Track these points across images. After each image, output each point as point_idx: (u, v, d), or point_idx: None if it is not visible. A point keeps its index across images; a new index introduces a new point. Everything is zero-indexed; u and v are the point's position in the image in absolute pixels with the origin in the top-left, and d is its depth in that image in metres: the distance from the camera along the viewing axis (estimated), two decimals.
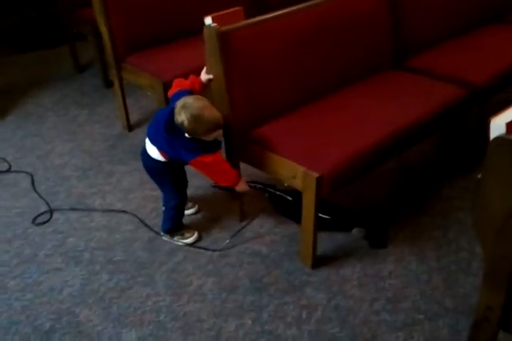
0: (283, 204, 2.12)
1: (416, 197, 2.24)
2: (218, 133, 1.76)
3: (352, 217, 2.05)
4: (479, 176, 1.32)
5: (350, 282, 1.84)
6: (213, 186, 2.18)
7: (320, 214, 1.93)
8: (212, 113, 1.70)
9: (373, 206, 2.16)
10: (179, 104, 1.70)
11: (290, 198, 2.07)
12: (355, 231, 2.01)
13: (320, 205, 1.85)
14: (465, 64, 2.36)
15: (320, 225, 1.99)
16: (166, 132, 1.75)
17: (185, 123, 1.67)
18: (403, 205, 2.20)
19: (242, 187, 1.89)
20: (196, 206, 2.20)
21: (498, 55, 2.44)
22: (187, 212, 2.13)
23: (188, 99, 1.71)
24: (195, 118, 1.67)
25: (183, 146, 1.74)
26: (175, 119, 1.70)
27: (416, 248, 1.97)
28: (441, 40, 2.58)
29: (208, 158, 1.75)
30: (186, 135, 1.74)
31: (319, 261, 1.91)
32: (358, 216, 2.06)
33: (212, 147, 1.77)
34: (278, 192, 2.11)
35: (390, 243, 1.99)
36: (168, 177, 1.93)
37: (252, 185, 2.05)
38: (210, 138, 1.74)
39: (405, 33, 2.42)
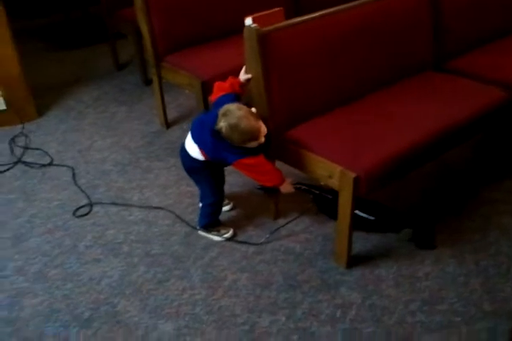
0: (328, 205, 2.09)
1: (456, 199, 2.21)
2: (255, 143, 1.77)
3: (399, 218, 2.03)
4: None
5: (386, 282, 1.83)
6: (258, 188, 2.16)
7: (365, 215, 1.93)
8: (250, 124, 1.71)
9: (419, 206, 2.12)
10: (221, 110, 1.74)
11: (331, 197, 2.04)
12: (403, 232, 1.99)
13: (366, 206, 1.85)
14: (507, 66, 2.32)
15: (365, 226, 1.98)
16: (213, 136, 1.77)
17: (223, 130, 1.72)
18: (443, 207, 2.17)
19: (287, 188, 1.91)
20: (232, 203, 2.22)
21: None
22: (223, 208, 2.15)
23: (230, 107, 1.74)
24: (232, 128, 1.70)
25: (228, 149, 1.78)
26: (216, 125, 1.74)
27: (455, 250, 1.94)
28: (483, 42, 2.54)
29: (251, 160, 1.78)
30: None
31: (354, 261, 1.91)
32: (405, 216, 2.03)
33: (257, 150, 1.79)
34: (323, 193, 2.09)
35: None
36: (205, 175, 1.96)
37: (298, 186, 2.05)
38: (247, 146, 1.76)
39: (447, 34, 2.39)
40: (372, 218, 1.97)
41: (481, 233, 2.02)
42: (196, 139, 1.86)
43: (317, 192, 2.10)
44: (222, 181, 2.03)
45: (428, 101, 2.07)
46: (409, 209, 2.10)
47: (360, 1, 2.12)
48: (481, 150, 2.34)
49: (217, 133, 1.75)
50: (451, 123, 1.94)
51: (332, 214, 2.04)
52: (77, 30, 4.35)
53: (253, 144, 1.76)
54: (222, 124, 1.72)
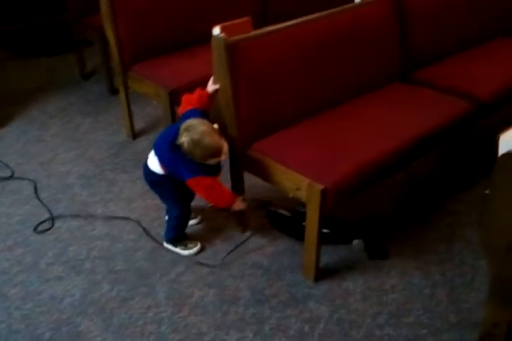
0: (280, 221, 2.11)
1: (421, 210, 2.23)
2: (216, 160, 1.76)
3: (350, 229, 2.04)
4: (487, 192, 1.31)
5: (353, 295, 1.82)
6: (211, 206, 2.15)
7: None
8: (213, 140, 1.70)
9: (371, 217, 2.13)
10: (184, 125, 1.72)
11: (288, 214, 2.07)
12: (355, 243, 1.99)
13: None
14: (471, 77, 2.36)
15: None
16: (171, 149, 1.75)
17: (185, 145, 1.70)
18: (408, 218, 2.18)
19: (237, 207, 1.90)
20: (199, 216, 2.19)
21: (505, 70, 2.44)
22: (190, 222, 2.12)
23: (193, 122, 1.72)
24: (194, 143, 1.68)
25: (185, 165, 1.75)
26: (177, 139, 1.72)
27: (420, 262, 1.95)
28: (448, 53, 2.58)
29: (206, 180, 1.77)
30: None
31: (321, 274, 1.90)
32: (356, 227, 2.04)
33: (214, 170, 1.78)
34: (275, 209, 2.10)
35: (393, 256, 1.98)
36: (167, 189, 1.92)
37: (251, 203, 2.04)
38: (207, 162, 1.74)
39: (413, 45, 2.43)
40: (326, 231, 1.95)
41: (445, 244, 2.03)
42: (157, 152, 1.83)
43: (270, 208, 2.12)
44: (190, 194, 2.00)
45: (395, 113, 2.09)
46: (361, 220, 2.09)
47: (328, 11, 2.13)
48: (445, 160, 2.37)
49: (177, 148, 1.73)
50: (417, 134, 1.96)
51: (291, 232, 2.06)
52: (42, 37, 4.26)
53: (213, 161, 1.75)
54: (184, 139, 1.69)
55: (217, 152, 1.72)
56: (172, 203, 1.98)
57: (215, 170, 1.80)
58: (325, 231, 1.95)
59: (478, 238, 1.38)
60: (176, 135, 1.73)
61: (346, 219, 2.06)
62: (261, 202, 2.17)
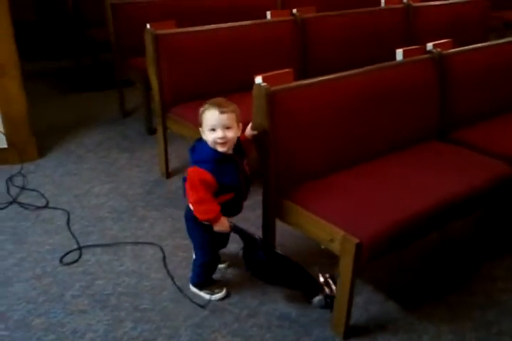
0: (256, 263, 1.93)
1: (456, 273, 2.17)
2: (213, 116, 1.73)
3: (314, 285, 1.91)
4: None
5: None
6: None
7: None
8: (225, 100, 1.77)
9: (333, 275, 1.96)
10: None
11: (264, 257, 1.88)
12: (316, 300, 1.88)
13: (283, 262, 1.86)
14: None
15: (280, 281, 1.94)
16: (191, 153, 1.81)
17: (201, 110, 1.76)
18: (442, 281, 2.12)
19: (221, 227, 1.79)
20: (227, 261, 2.15)
21: None
22: (219, 266, 2.08)
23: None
24: (210, 100, 1.76)
25: (194, 159, 1.78)
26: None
27: (454, 326, 1.87)
28: (488, 116, 2.59)
29: (202, 174, 1.71)
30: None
31: (351, 331, 1.83)
32: (318, 284, 1.91)
33: (212, 168, 1.73)
34: (255, 250, 1.90)
35: (425, 320, 1.90)
36: (196, 231, 1.88)
37: (234, 228, 1.85)
38: (205, 120, 1.75)
39: (453, 105, 2.45)
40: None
41: (481, 310, 1.96)
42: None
43: (248, 244, 1.90)
44: (219, 243, 1.96)
45: (433, 171, 2.07)
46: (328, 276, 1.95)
47: (369, 67, 2.18)
48: (483, 224, 2.32)
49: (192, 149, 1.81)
50: (455, 195, 1.93)
51: (264, 275, 1.93)
52: (87, 75, 4.43)
53: (219, 141, 1.72)
54: (203, 107, 1.76)
55: (221, 106, 1.73)
56: (197, 247, 1.94)
57: (226, 176, 1.75)
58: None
59: None
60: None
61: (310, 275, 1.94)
62: (243, 232, 1.89)
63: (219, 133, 1.72)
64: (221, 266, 2.12)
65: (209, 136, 1.74)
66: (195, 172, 1.73)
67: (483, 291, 2.06)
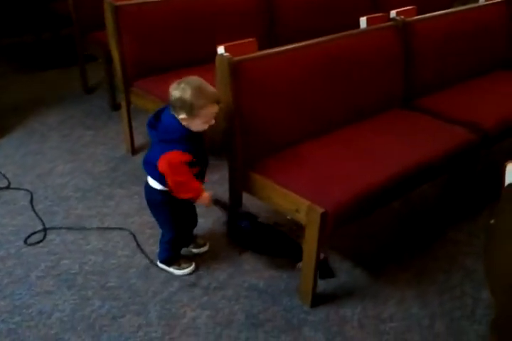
0: (242, 233, 2.00)
1: (420, 239, 2.20)
2: (212, 111, 1.68)
3: (298, 251, 1.93)
4: (492, 222, 1.29)
5: (350, 323, 1.78)
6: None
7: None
8: (211, 87, 1.69)
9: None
10: (177, 82, 1.67)
11: (249, 227, 1.96)
12: (299, 265, 1.91)
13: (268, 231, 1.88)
14: (474, 108, 2.37)
15: (266, 250, 1.99)
16: (151, 127, 1.74)
17: (187, 95, 1.62)
18: (406, 247, 2.16)
19: (203, 201, 1.79)
20: (208, 243, 2.11)
21: (506, 101, 2.46)
22: (198, 250, 2.08)
23: (186, 78, 1.68)
24: (200, 90, 1.64)
25: (162, 138, 1.70)
26: (171, 97, 1.66)
27: (419, 291, 1.92)
28: (451, 83, 2.60)
29: (177, 156, 1.66)
30: (177, 115, 1.67)
31: (319, 299, 1.86)
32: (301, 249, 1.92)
33: (187, 147, 1.68)
34: (237, 221, 1.99)
35: (391, 284, 1.94)
36: (163, 210, 1.86)
37: (216, 202, 1.90)
38: (204, 115, 1.67)
39: (417, 72, 2.45)
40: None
41: (445, 274, 2.00)
42: (144, 160, 1.79)
43: (232, 214, 1.99)
44: (186, 219, 1.94)
45: (398, 139, 2.09)
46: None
47: (334, 35, 2.15)
48: (447, 190, 2.35)
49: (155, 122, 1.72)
50: (420, 162, 1.95)
51: (249, 244, 2.01)
52: (47, 51, 4.28)
53: (212, 110, 1.68)
54: (185, 91, 1.62)
55: (218, 97, 1.69)
56: (164, 225, 1.92)
57: (196, 151, 1.71)
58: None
59: (483, 268, 1.36)
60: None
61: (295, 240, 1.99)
62: (224, 204, 1.96)
63: (212, 121, 1.71)
64: (201, 249, 2.09)
65: (199, 126, 1.69)
66: (175, 156, 1.67)
67: (447, 255, 2.10)
